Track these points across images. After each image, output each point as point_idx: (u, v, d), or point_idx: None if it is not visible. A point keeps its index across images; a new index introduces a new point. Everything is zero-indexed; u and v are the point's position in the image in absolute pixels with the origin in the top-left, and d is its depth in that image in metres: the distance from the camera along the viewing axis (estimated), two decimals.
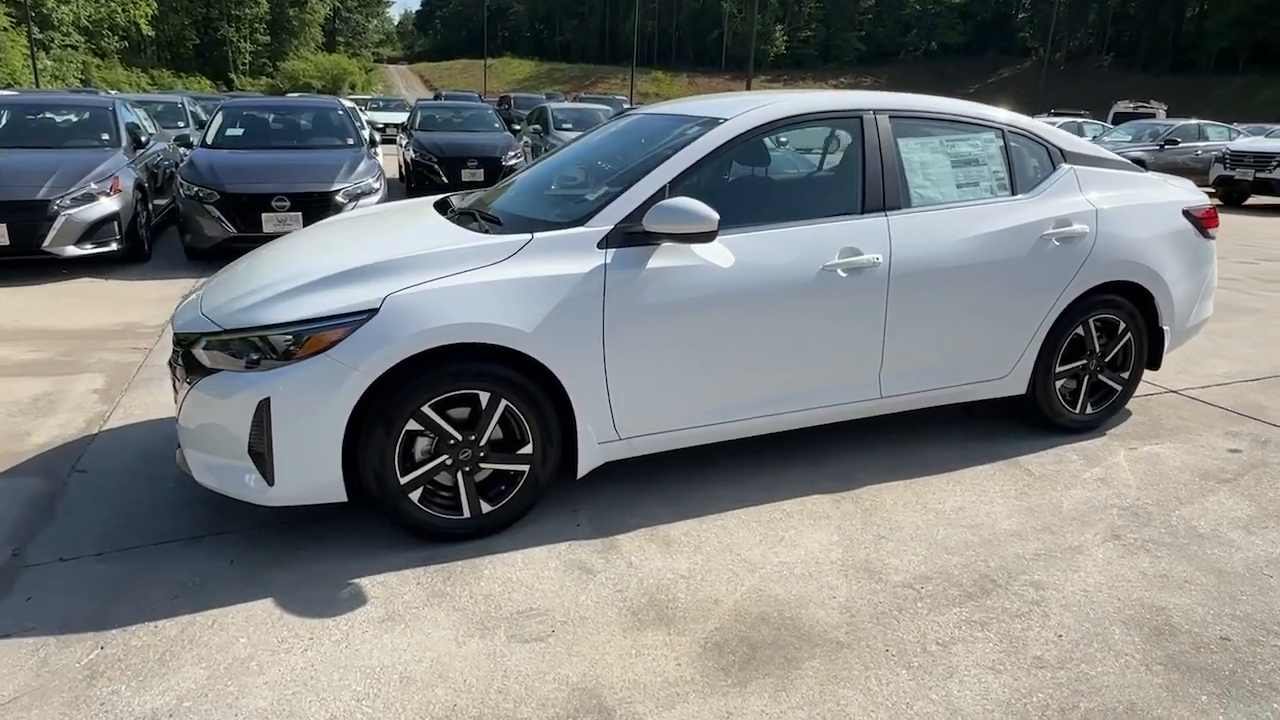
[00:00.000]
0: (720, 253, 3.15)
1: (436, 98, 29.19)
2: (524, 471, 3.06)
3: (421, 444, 2.95)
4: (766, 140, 3.53)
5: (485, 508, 3.05)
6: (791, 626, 2.59)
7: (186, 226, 7.69)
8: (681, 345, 3.12)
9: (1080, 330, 3.89)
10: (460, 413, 2.96)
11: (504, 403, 2.94)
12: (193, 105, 13.89)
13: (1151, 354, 4.10)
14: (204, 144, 8.67)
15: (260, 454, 2.80)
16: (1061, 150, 3.89)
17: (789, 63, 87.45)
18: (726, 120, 3.33)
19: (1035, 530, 3.18)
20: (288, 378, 2.73)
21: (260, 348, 2.78)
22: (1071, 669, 2.41)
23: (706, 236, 2.97)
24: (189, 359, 2.93)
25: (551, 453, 3.07)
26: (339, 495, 2.88)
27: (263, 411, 2.73)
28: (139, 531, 3.13)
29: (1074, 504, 3.39)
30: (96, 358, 5.12)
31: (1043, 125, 3.95)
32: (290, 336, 2.76)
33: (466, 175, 12.91)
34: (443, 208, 3.82)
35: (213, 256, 8.02)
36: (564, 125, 15.10)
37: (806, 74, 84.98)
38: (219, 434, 2.84)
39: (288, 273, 3.03)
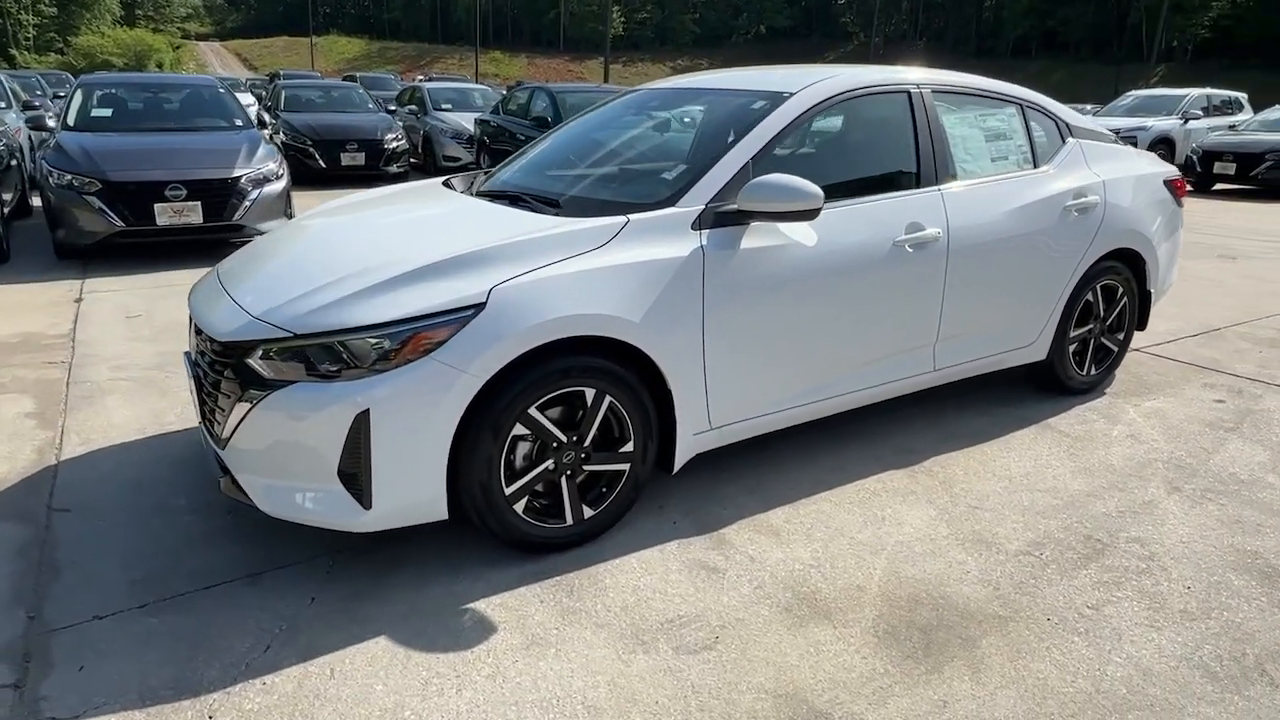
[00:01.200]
0: (806, 231, 3.06)
1: (273, 78, 27.12)
2: (624, 471, 2.86)
3: (522, 449, 2.69)
4: (821, 116, 3.46)
5: (587, 512, 2.83)
6: (947, 606, 2.56)
7: (59, 221, 6.72)
8: (774, 327, 3.01)
9: (1090, 296, 4.10)
10: (558, 413, 2.72)
11: (608, 399, 2.73)
12: (10, 82, 12.14)
13: (1140, 316, 4.39)
14: (66, 126, 7.60)
15: (353, 475, 2.46)
16: (1068, 124, 4.05)
17: (626, 44, 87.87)
18: (794, 94, 3.23)
19: (1104, 489, 3.32)
20: (388, 386, 2.40)
21: (345, 354, 2.43)
22: (1218, 618, 2.53)
23: (809, 214, 2.87)
24: (243, 371, 2.53)
25: (651, 449, 2.89)
26: (440, 513, 2.58)
27: (360, 427, 2.40)
28: (179, 575, 2.68)
29: (1122, 461, 3.57)
30: (9, 376, 4.37)
31: (1051, 101, 4.10)
32: (386, 339, 2.43)
33: (347, 159, 12.10)
34: (465, 189, 3.50)
35: (92, 254, 7.08)
36: (443, 105, 14.45)
37: (645, 55, 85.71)
38: (298, 455, 2.47)
39: (352, 266, 2.67)
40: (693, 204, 2.90)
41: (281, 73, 31.15)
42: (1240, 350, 5.14)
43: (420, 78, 29.43)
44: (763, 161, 3.06)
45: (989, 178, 3.66)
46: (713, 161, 3.01)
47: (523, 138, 11.16)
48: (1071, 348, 4.15)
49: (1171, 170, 4.43)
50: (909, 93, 3.51)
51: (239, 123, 8.16)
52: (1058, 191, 3.81)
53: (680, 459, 2.97)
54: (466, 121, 13.57)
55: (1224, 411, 4.15)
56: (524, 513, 2.71)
